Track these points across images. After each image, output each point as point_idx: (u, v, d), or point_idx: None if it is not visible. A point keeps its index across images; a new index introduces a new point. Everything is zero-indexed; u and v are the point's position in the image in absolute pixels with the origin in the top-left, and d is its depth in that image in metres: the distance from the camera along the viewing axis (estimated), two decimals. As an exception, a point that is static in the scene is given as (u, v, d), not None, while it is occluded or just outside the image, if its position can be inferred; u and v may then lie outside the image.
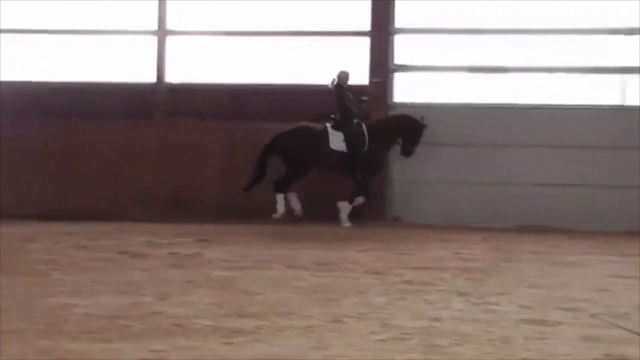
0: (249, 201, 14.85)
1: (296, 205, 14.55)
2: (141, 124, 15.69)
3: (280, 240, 12.21)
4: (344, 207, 14.42)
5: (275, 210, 14.38)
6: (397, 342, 6.21)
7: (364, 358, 5.77)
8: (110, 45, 16.43)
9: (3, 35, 16.49)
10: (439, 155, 15.17)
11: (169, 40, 16.20)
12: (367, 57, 15.63)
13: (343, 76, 14.56)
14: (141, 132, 15.69)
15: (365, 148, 14.40)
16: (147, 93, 15.94)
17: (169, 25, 16.22)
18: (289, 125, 14.60)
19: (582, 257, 11.13)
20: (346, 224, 14.30)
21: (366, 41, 15.67)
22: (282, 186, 14.49)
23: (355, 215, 14.58)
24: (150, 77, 16.11)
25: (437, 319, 6.98)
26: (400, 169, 15.25)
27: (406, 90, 15.71)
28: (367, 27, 15.68)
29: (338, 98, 14.43)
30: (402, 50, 15.73)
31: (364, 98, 15.18)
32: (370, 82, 15.50)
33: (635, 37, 15.18)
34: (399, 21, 15.71)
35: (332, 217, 14.28)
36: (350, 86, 14.56)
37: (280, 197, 14.47)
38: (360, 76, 15.55)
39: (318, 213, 14.33)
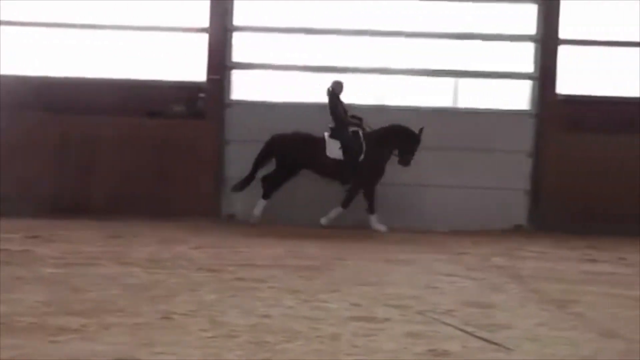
0: (83, 197, 14.59)
1: (258, 211, 14.57)
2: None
3: (114, 237, 12.04)
4: (373, 219, 14.48)
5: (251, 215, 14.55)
6: (225, 339, 6.22)
7: (191, 355, 5.76)
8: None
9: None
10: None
11: None
12: (205, 54, 15.56)
13: (337, 86, 14.68)
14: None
15: (362, 156, 14.50)
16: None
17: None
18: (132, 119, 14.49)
19: (413, 255, 11.36)
20: (381, 227, 14.38)
21: (205, 38, 15.61)
22: (270, 191, 14.62)
23: (193, 213, 14.55)
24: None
25: (267, 316, 7.02)
26: (235, 166, 15.25)
27: (244, 88, 15.71)
28: (205, 23, 15.61)
29: (332, 107, 14.52)
30: (241, 48, 15.72)
31: (201, 95, 15.11)
32: (208, 79, 15.46)
33: (470, 41, 15.61)
34: (238, 19, 15.70)
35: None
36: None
37: (261, 203, 14.55)
38: (197, 73, 15.50)
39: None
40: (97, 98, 15.28)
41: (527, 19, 15.56)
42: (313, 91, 15.43)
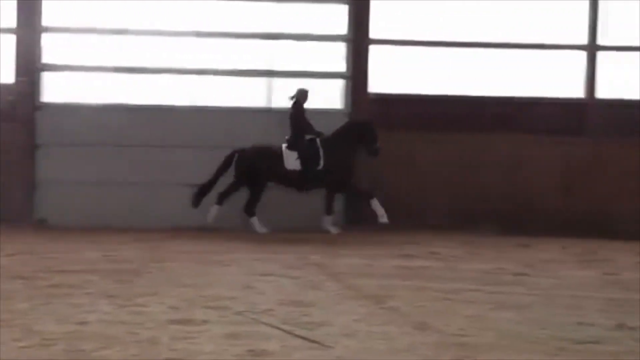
0: None
1: (211, 216, 14.31)
2: None
3: None
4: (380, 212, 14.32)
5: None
6: (40, 348, 6.07)
7: (3, 367, 5.59)
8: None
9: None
10: (87, 156, 14.96)
11: None
12: (13, 55, 15.13)
13: (302, 95, 14.44)
14: None
15: (321, 165, 14.36)
16: None
17: None
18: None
19: (231, 256, 11.36)
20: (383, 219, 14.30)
21: (12, 39, 15.18)
22: (250, 208, 14.46)
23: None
24: None
25: (83, 323, 6.89)
26: (46, 170, 14.90)
27: (55, 90, 15.35)
28: (13, 24, 15.18)
29: (295, 116, 14.32)
30: (52, 49, 15.36)
31: (10, 97, 14.69)
32: (17, 80, 15.04)
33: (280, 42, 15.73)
34: (47, 19, 15.32)
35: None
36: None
37: (214, 209, 14.30)
38: (6, 74, 15.06)
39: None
40: None
41: (338, 19, 15.79)
42: (126, 93, 15.23)
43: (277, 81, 15.79)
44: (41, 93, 15.32)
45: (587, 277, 10.25)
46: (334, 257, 11.37)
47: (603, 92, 16.08)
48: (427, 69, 15.98)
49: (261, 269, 10.11)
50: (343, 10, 15.78)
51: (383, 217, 14.29)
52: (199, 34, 15.56)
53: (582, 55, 16.09)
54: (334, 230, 14.46)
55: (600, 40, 16.05)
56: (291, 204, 14.87)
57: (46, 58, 15.34)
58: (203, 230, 14.07)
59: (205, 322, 7.05)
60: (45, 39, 15.35)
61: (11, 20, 15.19)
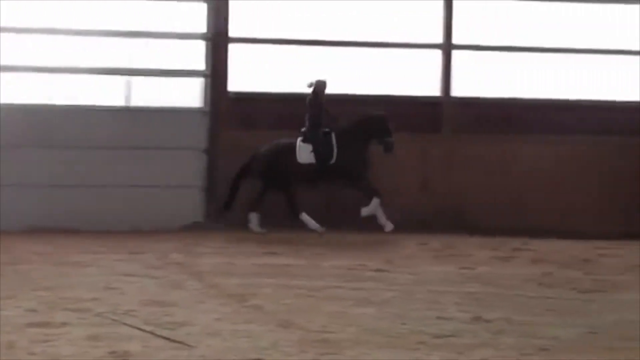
0: None
1: (254, 224, 14.18)
2: None
3: None
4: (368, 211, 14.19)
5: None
6: None
7: None
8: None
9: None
10: None
11: None
12: None
13: (321, 85, 14.18)
14: None
15: (334, 158, 14.07)
16: None
17: None
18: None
19: (90, 256, 11.18)
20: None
21: None
22: (294, 209, 14.17)
23: None
24: None
25: None
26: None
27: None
28: None
29: (312, 107, 14.05)
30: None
31: None
32: None
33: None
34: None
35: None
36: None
37: (253, 216, 14.19)
38: None
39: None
40: None
41: (197, 17, 15.69)
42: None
43: (136, 80, 15.59)
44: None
45: (445, 272, 10.47)
46: (196, 256, 11.32)
47: (458, 90, 16.41)
48: (289, 67, 16.01)
49: (122, 269, 10.00)
50: (202, 8, 15.70)
51: (386, 226, 14.28)
52: (53, 31, 15.24)
53: (438, 54, 16.39)
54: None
55: (456, 40, 16.39)
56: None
57: None
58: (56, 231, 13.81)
59: (65, 324, 6.94)
60: None
61: None
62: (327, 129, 14.43)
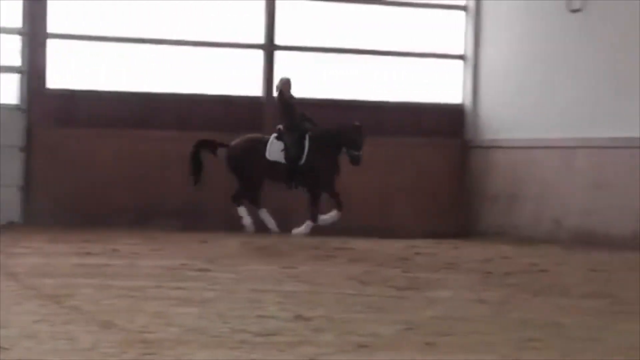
0: None
1: (269, 221, 13.97)
2: None
3: None
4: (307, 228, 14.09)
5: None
6: None
7: None
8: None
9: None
10: None
11: None
12: None
13: (282, 83, 13.80)
14: None
15: (303, 160, 13.70)
16: None
17: None
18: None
19: None
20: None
21: None
22: (237, 197, 14.25)
23: None
24: None
25: None
26: None
27: None
28: None
29: (280, 107, 13.68)
30: None
31: None
32: None
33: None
34: None
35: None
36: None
37: (241, 210, 14.18)
38: None
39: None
40: None
41: (14, 13, 15.31)
42: None
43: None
44: None
45: (267, 271, 10.55)
46: (12, 257, 11.02)
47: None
48: (111, 65, 15.84)
49: None
50: (18, 4, 15.31)
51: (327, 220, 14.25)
52: None
53: (260, 54, 16.49)
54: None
55: (277, 40, 16.52)
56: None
57: None
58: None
59: None
60: None
61: None
62: (304, 129, 14.34)
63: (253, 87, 16.47)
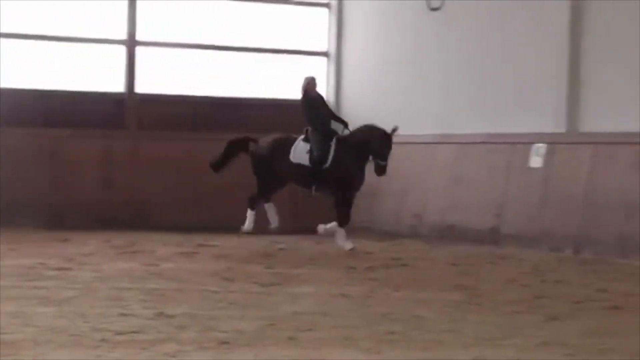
0: None
1: (272, 216, 13.05)
2: None
3: None
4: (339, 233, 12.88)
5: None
6: None
7: None
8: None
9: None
10: None
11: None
12: None
13: (307, 83, 12.83)
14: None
15: (328, 164, 12.62)
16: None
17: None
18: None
19: None
20: (348, 245, 12.76)
21: None
22: (254, 200, 13.16)
23: None
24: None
25: None
26: None
27: None
28: None
29: (304, 108, 12.73)
30: None
31: None
32: None
33: None
34: None
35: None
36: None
37: (250, 214, 13.06)
38: None
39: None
40: None
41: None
42: None
43: None
44: None
45: (128, 269, 10.44)
46: None
47: (142, 87, 16.40)
48: (40, 63, 15.67)
49: None
50: None
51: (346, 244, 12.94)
52: None
53: (122, 49, 16.30)
54: (347, 245, 12.84)
55: (140, 36, 16.36)
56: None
57: None
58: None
59: None
60: None
61: None
62: (331, 132, 13.22)
63: (115, 83, 16.28)
